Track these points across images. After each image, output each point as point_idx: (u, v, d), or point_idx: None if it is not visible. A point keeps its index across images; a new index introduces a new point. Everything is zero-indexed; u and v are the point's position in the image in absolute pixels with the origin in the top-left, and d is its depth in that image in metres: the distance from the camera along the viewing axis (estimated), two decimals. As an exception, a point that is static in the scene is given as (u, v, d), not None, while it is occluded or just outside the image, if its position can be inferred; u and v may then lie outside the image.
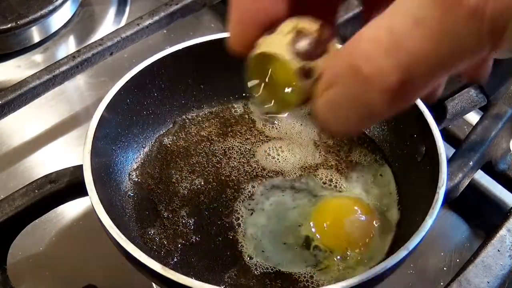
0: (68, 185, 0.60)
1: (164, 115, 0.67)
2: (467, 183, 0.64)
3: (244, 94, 0.70)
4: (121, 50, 0.78)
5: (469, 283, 0.57)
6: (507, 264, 0.58)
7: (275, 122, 0.68)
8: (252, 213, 0.60)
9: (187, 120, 0.68)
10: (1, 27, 0.80)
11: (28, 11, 0.82)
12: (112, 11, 0.92)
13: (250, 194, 0.62)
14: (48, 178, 0.60)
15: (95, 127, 0.58)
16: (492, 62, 0.44)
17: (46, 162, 0.75)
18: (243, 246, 0.58)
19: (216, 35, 0.67)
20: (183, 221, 0.60)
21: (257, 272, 0.56)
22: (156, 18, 0.79)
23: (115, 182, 0.61)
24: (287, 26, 0.43)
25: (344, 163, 0.64)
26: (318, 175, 0.63)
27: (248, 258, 0.57)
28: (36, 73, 0.73)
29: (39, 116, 0.79)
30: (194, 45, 0.66)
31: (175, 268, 0.54)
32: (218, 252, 0.58)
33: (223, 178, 0.63)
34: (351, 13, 0.77)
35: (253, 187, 0.62)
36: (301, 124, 0.68)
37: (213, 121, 0.68)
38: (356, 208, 0.59)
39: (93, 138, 0.57)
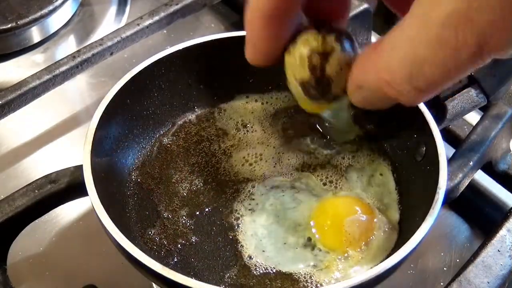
0: (68, 185, 0.60)
1: (164, 115, 0.67)
2: (467, 183, 0.64)
3: (244, 94, 0.70)
4: (121, 50, 0.78)
5: (469, 283, 0.57)
6: (507, 264, 0.58)
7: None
8: (252, 213, 0.60)
9: (187, 120, 0.68)
10: (1, 27, 0.80)
11: (28, 11, 0.82)
12: (112, 11, 0.92)
13: (250, 194, 0.62)
14: (48, 178, 0.60)
15: (95, 127, 0.58)
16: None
17: (46, 162, 0.75)
18: (243, 246, 0.58)
19: (216, 35, 0.67)
20: (183, 221, 0.60)
21: (257, 272, 0.56)
22: (156, 18, 0.79)
23: (115, 182, 0.61)
24: (297, 49, 0.48)
25: (344, 163, 0.64)
26: (318, 175, 0.63)
27: (248, 258, 0.57)
28: (36, 73, 0.73)
29: (39, 116, 0.79)
30: (194, 45, 0.66)
31: (175, 268, 0.54)
32: (218, 252, 0.58)
33: (223, 178, 0.63)
34: (351, 13, 0.77)
35: (253, 187, 0.62)
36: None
37: (213, 121, 0.68)
38: (356, 208, 0.59)
39: (93, 138, 0.57)
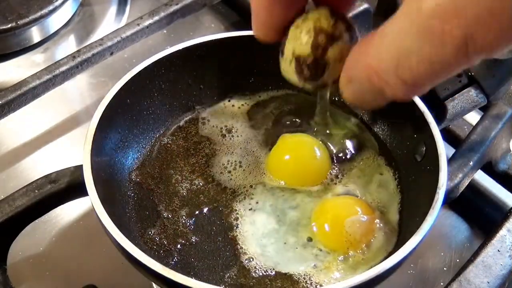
0: (68, 185, 0.60)
1: (164, 115, 0.67)
2: (467, 183, 0.64)
3: (244, 94, 0.70)
4: (121, 50, 0.78)
5: (469, 283, 0.57)
6: (507, 264, 0.58)
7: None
8: (252, 213, 0.60)
9: (187, 120, 0.68)
10: (1, 27, 0.80)
11: (28, 11, 0.82)
12: (112, 11, 0.92)
13: (250, 194, 0.62)
14: (48, 178, 0.60)
15: (95, 127, 0.58)
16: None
17: (46, 162, 0.75)
18: (243, 246, 0.58)
19: (216, 35, 0.67)
20: (183, 221, 0.60)
21: (257, 272, 0.56)
22: (156, 18, 0.79)
23: (115, 182, 0.61)
24: (306, 24, 0.47)
25: (344, 163, 0.64)
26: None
27: (248, 258, 0.57)
28: (36, 73, 0.73)
29: (39, 116, 0.79)
30: (194, 45, 0.66)
31: (175, 268, 0.54)
32: (218, 252, 0.58)
33: (223, 178, 0.63)
34: (351, 13, 0.77)
35: (253, 187, 0.62)
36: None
37: (213, 120, 0.68)
38: (357, 208, 0.59)
39: (93, 138, 0.57)
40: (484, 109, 0.67)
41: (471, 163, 0.63)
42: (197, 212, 0.61)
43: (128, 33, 0.77)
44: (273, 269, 0.56)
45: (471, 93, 0.61)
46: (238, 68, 0.69)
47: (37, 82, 0.72)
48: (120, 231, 0.51)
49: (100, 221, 0.52)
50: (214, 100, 0.69)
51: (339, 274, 0.56)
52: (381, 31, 0.40)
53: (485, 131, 0.66)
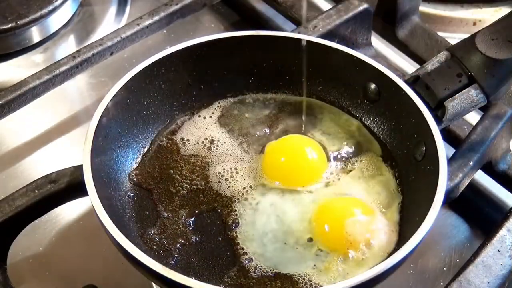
0: (68, 185, 0.60)
1: (164, 115, 0.67)
2: (467, 183, 0.64)
3: (244, 93, 0.70)
4: (121, 50, 0.78)
5: (469, 283, 0.57)
6: (507, 264, 0.58)
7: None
8: (252, 213, 0.60)
9: (187, 120, 0.68)
10: (1, 27, 0.80)
11: (28, 11, 0.82)
12: (112, 11, 0.92)
13: (250, 194, 0.62)
14: (48, 178, 0.60)
15: (95, 127, 0.58)
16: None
17: (46, 162, 0.74)
18: (243, 246, 0.58)
19: (216, 35, 0.67)
20: (183, 221, 0.60)
21: (257, 272, 0.56)
22: (156, 18, 0.79)
23: (115, 182, 0.61)
24: None
25: (344, 164, 0.64)
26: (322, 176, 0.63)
27: (248, 258, 0.57)
28: (36, 73, 0.73)
29: (39, 116, 0.79)
30: (194, 45, 0.66)
31: (175, 268, 0.54)
32: (218, 252, 0.58)
33: (223, 175, 0.63)
34: (351, 13, 0.77)
35: (253, 187, 0.62)
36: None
37: (213, 120, 0.68)
38: (357, 208, 0.59)
39: (93, 138, 0.57)
40: (484, 109, 0.67)
41: (471, 163, 0.63)
42: (197, 212, 0.61)
43: (128, 33, 0.77)
44: (273, 269, 0.56)
45: (471, 93, 0.61)
46: (238, 68, 0.69)
47: (37, 82, 0.72)
48: (120, 231, 0.51)
49: (100, 221, 0.52)
50: (214, 99, 0.69)
51: (339, 275, 0.56)
52: None
53: (485, 131, 0.66)
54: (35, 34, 0.85)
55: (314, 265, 0.56)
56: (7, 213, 0.58)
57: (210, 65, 0.67)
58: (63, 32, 0.88)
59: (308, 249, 0.58)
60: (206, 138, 0.66)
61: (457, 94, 0.61)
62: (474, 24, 0.88)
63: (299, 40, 0.67)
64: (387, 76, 0.64)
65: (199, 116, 0.68)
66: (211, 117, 0.68)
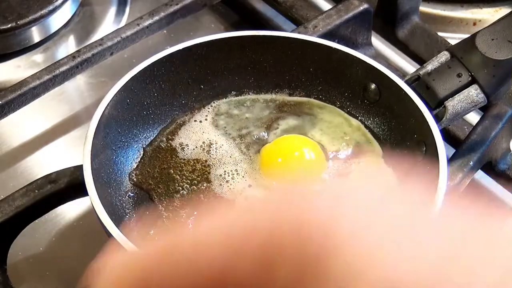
0: (68, 185, 0.60)
1: (164, 115, 0.67)
2: (467, 183, 0.64)
3: (244, 93, 0.70)
4: (121, 50, 0.78)
5: (469, 283, 0.57)
6: (507, 264, 0.58)
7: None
8: (252, 213, 0.60)
9: (187, 120, 0.68)
10: (1, 27, 0.80)
11: (28, 11, 0.82)
12: (112, 11, 0.92)
13: (250, 195, 0.62)
14: (48, 178, 0.60)
15: (95, 127, 0.58)
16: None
17: (46, 162, 0.74)
18: (243, 246, 0.58)
19: (216, 35, 0.67)
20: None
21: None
22: (156, 18, 0.79)
23: (115, 182, 0.61)
24: None
25: (344, 164, 0.64)
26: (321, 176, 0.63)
27: (248, 258, 0.57)
28: (36, 73, 0.72)
29: (39, 116, 0.79)
30: (194, 45, 0.66)
31: (175, 268, 0.54)
32: (218, 252, 0.58)
33: (223, 176, 0.63)
34: (351, 13, 0.77)
35: (253, 187, 0.62)
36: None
37: (213, 120, 0.68)
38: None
39: (93, 138, 0.57)
40: (484, 109, 0.67)
41: (471, 163, 0.63)
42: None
43: (128, 33, 0.77)
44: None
45: (471, 93, 0.61)
46: (238, 68, 0.69)
47: (37, 82, 0.72)
48: (120, 231, 0.51)
49: (100, 221, 0.52)
50: (214, 99, 0.69)
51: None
52: None
53: (485, 131, 0.66)
54: (35, 34, 0.85)
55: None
56: (7, 213, 0.58)
57: (210, 65, 0.67)
58: (63, 32, 0.88)
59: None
60: (204, 142, 0.66)
61: (457, 94, 0.61)
62: (474, 24, 0.88)
63: (299, 40, 0.67)
64: (387, 76, 0.64)
65: (199, 116, 0.68)
66: (210, 117, 0.68)
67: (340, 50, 0.66)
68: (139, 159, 0.65)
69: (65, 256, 0.67)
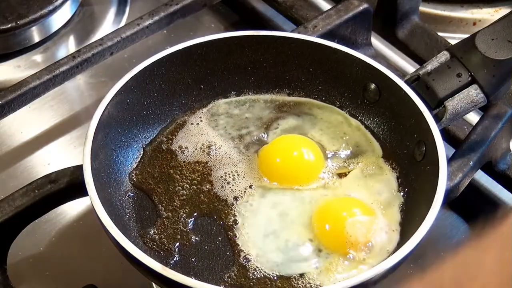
0: (68, 185, 0.60)
1: (164, 115, 0.67)
2: (467, 183, 0.64)
3: (244, 93, 0.70)
4: (121, 50, 0.78)
5: (469, 283, 0.57)
6: (507, 264, 0.58)
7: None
8: (252, 213, 0.60)
9: (187, 120, 0.68)
10: (1, 27, 0.80)
11: (28, 11, 0.82)
12: (112, 11, 0.92)
13: (250, 195, 0.62)
14: (48, 178, 0.60)
15: (95, 127, 0.58)
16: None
17: (46, 162, 0.75)
18: (243, 246, 0.58)
19: (216, 35, 0.67)
20: (183, 221, 0.60)
21: (257, 273, 0.56)
22: (156, 18, 0.79)
23: (115, 182, 0.61)
24: None
25: (345, 164, 0.64)
26: (319, 176, 0.63)
27: (248, 259, 0.57)
28: (36, 73, 0.73)
29: (39, 116, 0.79)
30: (194, 45, 0.66)
31: (175, 268, 0.54)
32: (218, 252, 0.58)
33: (223, 177, 0.63)
34: (351, 13, 0.77)
35: (253, 187, 0.62)
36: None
37: (213, 119, 0.68)
38: (357, 209, 0.59)
39: (93, 138, 0.57)
40: (484, 109, 0.67)
41: (471, 163, 0.63)
42: (197, 212, 0.61)
43: (128, 33, 0.77)
44: (274, 269, 0.56)
45: (471, 93, 0.61)
46: (238, 68, 0.69)
47: (37, 82, 0.72)
48: (120, 231, 0.51)
49: (100, 221, 0.52)
50: (214, 99, 0.69)
51: (340, 275, 0.56)
52: None
53: (485, 131, 0.66)
54: (35, 34, 0.85)
55: (315, 266, 0.56)
56: (7, 213, 0.58)
57: (210, 65, 0.67)
58: (63, 32, 0.88)
59: (308, 249, 0.58)
60: (204, 144, 0.66)
61: (457, 94, 0.61)
62: (474, 24, 0.88)
63: (299, 40, 0.67)
64: (387, 76, 0.64)
65: (198, 116, 0.68)
66: (210, 117, 0.68)
67: (340, 50, 0.66)
68: (139, 159, 0.65)
69: (65, 256, 0.67)
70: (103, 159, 0.59)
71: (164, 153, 0.65)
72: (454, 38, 0.80)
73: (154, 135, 0.66)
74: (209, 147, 0.65)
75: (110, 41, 0.76)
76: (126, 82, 0.62)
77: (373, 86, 0.66)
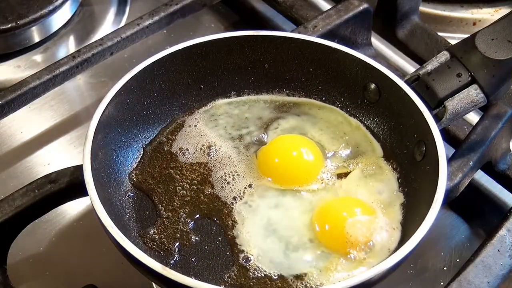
0: (68, 185, 0.60)
1: (164, 115, 0.67)
2: (467, 183, 0.64)
3: (244, 93, 0.70)
4: (121, 50, 0.78)
5: (469, 283, 0.57)
6: (507, 264, 0.58)
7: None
8: (252, 213, 0.60)
9: (187, 120, 0.68)
10: (1, 27, 0.80)
11: (28, 11, 0.82)
12: (112, 11, 0.92)
13: (250, 195, 0.62)
14: (48, 178, 0.60)
15: (95, 127, 0.58)
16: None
17: (46, 162, 0.75)
18: (243, 246, 0.58)
19: (216, 35, 0.67)
20: (183, 221, 0.60)
21: (257, 272, 0.56)
22: (156, 18, 0.79)
23: (115, 182, 0.61)
24: None
25: (345, 164, 0.64)
26: (319, 176, 0.63)
27: (248, 258, 0.57)
28: (36, 73, 0.73)
29: (39, 116, 0.79)
30: (194, 45, 0.66)
31: (175, 268, 0.54)
32: (218, 252, 0.58)
33: (223, 177, 0.63)
34: (351, 13, 0.77)
35: (252, 187, 0.62)
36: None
37: (214, 119, 0.68)
38: (357, 209, 0.59)
39: (93, 138, 0.57)
40: (484, 109, 0.67)
41: (471, 163, 0.63)
42: (197, 212, 0.61)
43: (128, 33, 0.77)
44: (274, 269, 0.56)
45: (471, 93, 0.61)
46: (238, 68, 0.69)
47: (37, 82, 0.72)
48: (120, 231, 0.51)
49: (100, 221, 0.52)
50: (214, 99, 0.69)
51: (341, 275, 0.56)
52: None
53: (485, 131, 0.66)
54: (35, 34, 0.85)
55: (315, 266, 0.56)
56: (7, 213, 0.59)
57: (210, 65, 0.67)
58: (63, 32, 0.88)
59: (309, 249, 0.58)
60: (204, 144, 0.66)
61: (457, 94, 0.61)
62: (474, 24, 0.88)
63: (299, 40, 0.67)
64: (387, 76, 0.64)
65: (198, 116, 0.68)
66: (210, 118, 0.68)
67: (340, 50, 0.66)
68: (139, 159, 0.65)
69: (65, 256, 0.67)
70: (103, 159, 0.59)
71: (164, 153, 0.65)
72: (454, 38, 0.80)
73: (154, 135, 0.66)
74: (209, 147, 0.65)
75: (110, 41, 0.76)
76: (126, 82, 0.62)
77: (373, 86, 0.66)
